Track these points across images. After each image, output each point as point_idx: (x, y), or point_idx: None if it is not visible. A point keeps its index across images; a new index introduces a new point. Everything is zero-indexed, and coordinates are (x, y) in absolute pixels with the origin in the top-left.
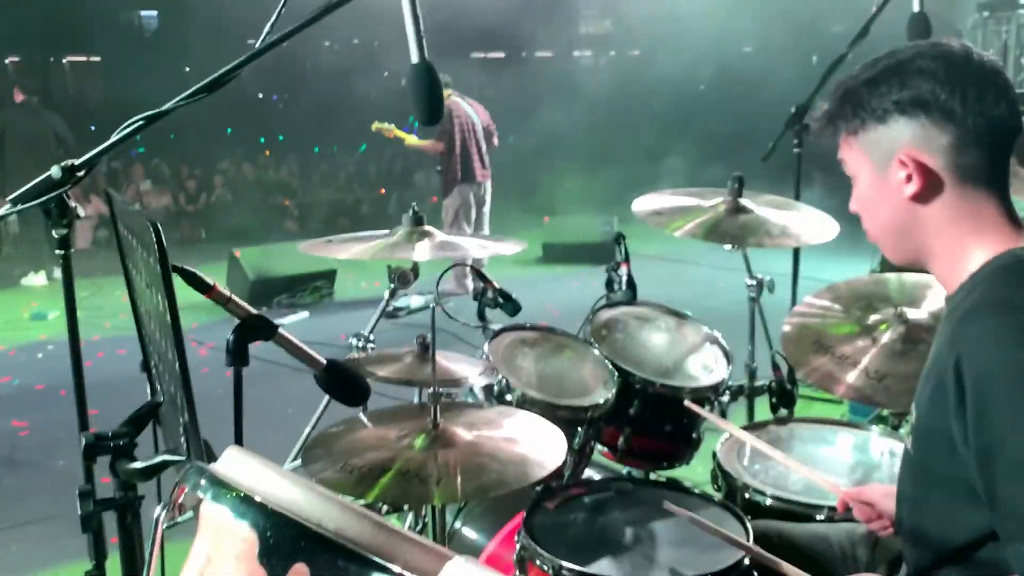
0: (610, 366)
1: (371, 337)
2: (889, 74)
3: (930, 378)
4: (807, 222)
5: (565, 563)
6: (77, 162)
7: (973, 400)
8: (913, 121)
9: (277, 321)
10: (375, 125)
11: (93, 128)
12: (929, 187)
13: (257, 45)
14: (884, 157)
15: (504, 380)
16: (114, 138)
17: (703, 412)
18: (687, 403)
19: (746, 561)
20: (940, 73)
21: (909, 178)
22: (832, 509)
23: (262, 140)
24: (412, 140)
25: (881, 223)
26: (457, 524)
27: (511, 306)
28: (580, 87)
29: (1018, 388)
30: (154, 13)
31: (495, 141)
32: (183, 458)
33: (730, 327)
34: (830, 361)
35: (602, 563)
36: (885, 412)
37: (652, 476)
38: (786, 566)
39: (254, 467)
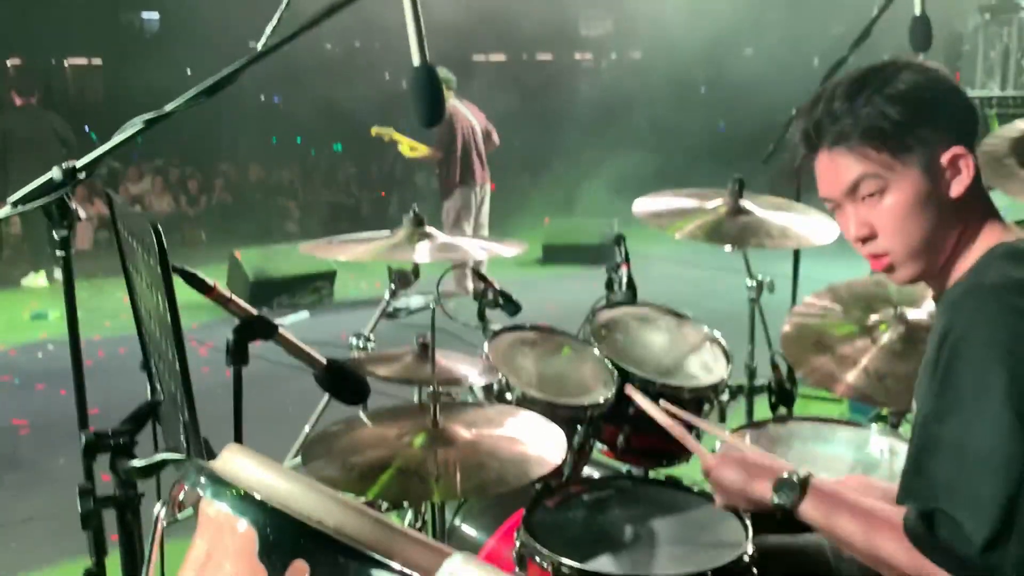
0: (610, 366)
1: (371, 336)
2: (920, 73)
3: (926, 367)
4: (807, 223)
5: (564, 560)
6: (78, 164)
7: (943, 367)
8: (952, 118)
9: (277, 321)
10: (374, 130)
11: (93, 129)
12: (971, 181)
13: (259, 47)
14: (930, 158)
15: (504, 380)
16: (115, 141)
17: (681, 413)
18: (663, 404)
19: (745, 559)
20: (923, 80)
21: (956, 174)
22: None
23: (268, 140)
24: (406, 149)
25: (924, 233)
26: (456, 521)
27: (511, 307)
28: (581, 89)
29: (986, 359)
30: (155, 14)
31: (495, 140)
32: (183, 456)
33: (730, 327)
34: (830, 361)
35: (601, 560)
36: (885, 411)
37: (651, 474)
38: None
39: (254, 465)
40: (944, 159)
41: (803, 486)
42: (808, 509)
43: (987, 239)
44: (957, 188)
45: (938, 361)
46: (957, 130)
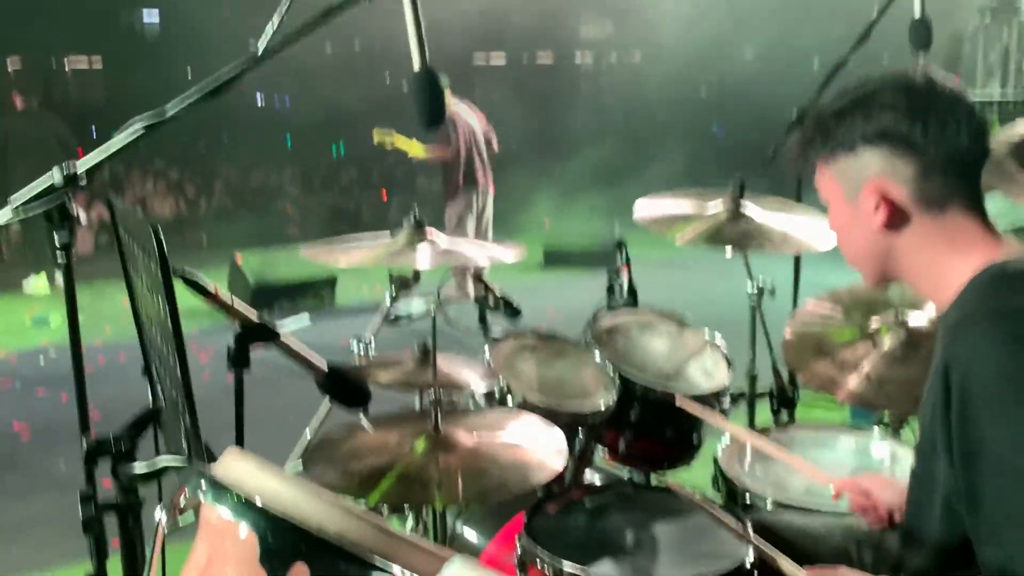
0: (611, 371)
1: (371, 341)
2: (855, 106)
3: (928, 394)
4: (808, 227)
5: (566, 565)
6: (79, 168)
7: (957, 405)
8: (878, 152)
9: (278, 325)
10: (376, 137)
11: (95, 132)
12: (896, 216)
13: (259, 49)
14: (854, 186)
15: (505, 385)
16: (115, 144)
17: (696, 409)
18: (679, 402)
19: (747, 564)
20: (901, 105)
21: (876, 208)
22: (833, 513)
23: (269, 143)
24: (416, 151)
25: (856, 249)
26: (458, 526)
27: (512, 311)
28: (581, 91)
29: (1001, 395)
30: (156, 16)
31: (495, 145)
32: (184, 461)
33: (731, 332)
34: (831, 366)
35: (603, 565)
36: (885, 417)
37: (653, 479)
38: (785, 561)
39: (254, 469)
40: (865, 191)
41: None
42: None
43: (976, 256)
44: (878, 219)
45: (948, 399)
46: (889, 165)
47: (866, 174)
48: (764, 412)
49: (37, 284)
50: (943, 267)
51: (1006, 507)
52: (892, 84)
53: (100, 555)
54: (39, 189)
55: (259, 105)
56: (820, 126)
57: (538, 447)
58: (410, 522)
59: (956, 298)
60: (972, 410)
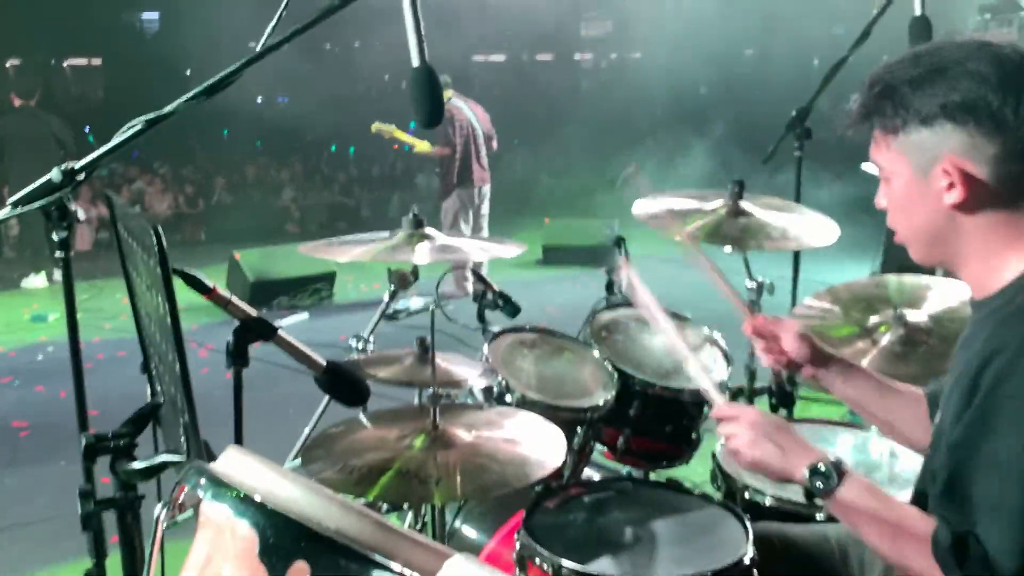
0: (610, 368)
1: (370, 338)
2: (936, 74)
3: (959, 381)
4: (807, 225)
5: (565, 562)
6: (77, 165)
7: (983, 396)
8: (960, 128)
9: (277, 322)
10: (375, 126)
11: (93, 131)
12: (972, 197)
13: (258, 48)
14: (926, 162)
15: (504, 382)
16: (114, 141)
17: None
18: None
19: (746, 560)
20: (993, 78)
21: (951, 187)
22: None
23: (259, 143)
24: (422, 146)
25: (915, 227)
26: (457, 523)
27: (511, 308)
28: (581, 89)
29: None
30: (155, 15)
31: (494, 144)
32: (183, 458)
33: (730, 329)
34: None
35: (602, 562)
36: None
37: (652, 476)
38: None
39: (254, 466)
40: (939, 168)
41: (840, 477)
42: (838, 504)
43: None
44: (951, 199)
45: (977, 382)
46: (971, 142)
47: (943, 150)
48: (763, 408)
49: (36, 282)
50: (998, 257)
51: (992, 501)
52: (979, 53)
53: (99, 552)
54: (38, 187)
55: (260, 102)
56: (890, 94)
57: (537, 444)
58: (409, 519)
59: (1007, 288)
60: (997, 398)
